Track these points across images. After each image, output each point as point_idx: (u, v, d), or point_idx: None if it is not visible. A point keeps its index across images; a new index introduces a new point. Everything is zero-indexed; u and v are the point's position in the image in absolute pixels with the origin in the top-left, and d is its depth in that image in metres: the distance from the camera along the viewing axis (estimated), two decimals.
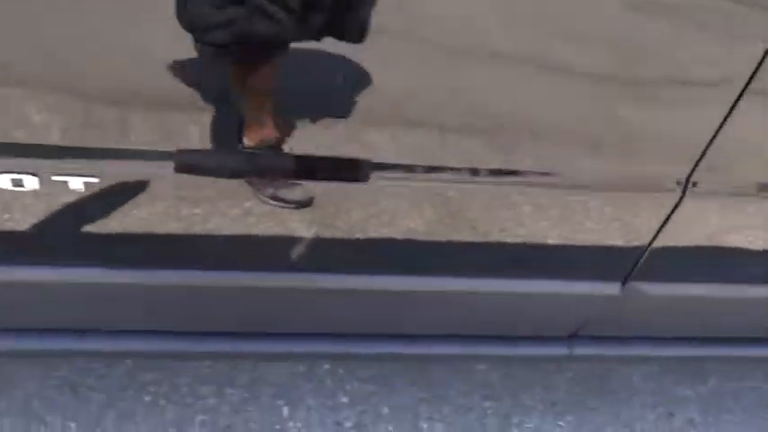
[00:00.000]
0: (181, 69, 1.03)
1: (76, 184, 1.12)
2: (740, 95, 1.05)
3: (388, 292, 1.39)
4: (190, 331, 1.52)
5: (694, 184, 1.16)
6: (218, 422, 1.76)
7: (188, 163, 1.16)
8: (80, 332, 1.49)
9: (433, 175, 1.23)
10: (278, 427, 1.79)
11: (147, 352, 1.54)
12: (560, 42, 1.03)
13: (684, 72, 1.05)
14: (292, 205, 1.26)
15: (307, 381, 1.90)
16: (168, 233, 1.25)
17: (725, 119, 1.07)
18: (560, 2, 0.99)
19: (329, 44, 1.04)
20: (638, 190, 1.17)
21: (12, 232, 1.20)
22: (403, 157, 1.19)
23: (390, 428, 1.84)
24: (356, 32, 1.03)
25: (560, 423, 1.94)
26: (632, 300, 1.31)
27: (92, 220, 1.24)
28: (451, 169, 1.21)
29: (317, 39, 1.03)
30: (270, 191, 1.26)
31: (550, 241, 1.27)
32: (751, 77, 1.04)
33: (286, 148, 1.16)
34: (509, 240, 1.28)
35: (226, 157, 1.17)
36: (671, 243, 1.23)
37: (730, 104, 1.06)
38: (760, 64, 1.03)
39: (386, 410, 1.88)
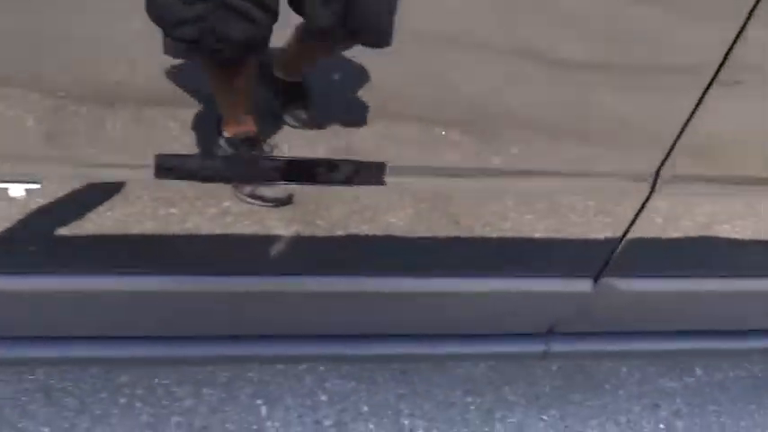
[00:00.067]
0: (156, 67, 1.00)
1: (18, 190, 1.10)
2: (710, 83, 1.01)
3: (363, 294, 1.37)
4: (166, 336, 1.50)
5: (665, 177, 1.12)
6: (194, 423, 1.74)
7: (167, 167, 1.14)
8: (53, 339, 1.46)
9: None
10: (255, 427, 1.77)
11: (122, 358, 1.52)
12: (525, 31, 1.00)
13: (652, 59, 1.01)
14: (271, 203, 1.23)
15: (286, 379, 1.87)
16: (144, 234, 1.23)
17: (695, 108, 1.03)
18: None
19: None
20: (608, 184, 1.13)
21: None
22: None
23: (371, 426, 1.82)
24: (372, 34, 1.00)
25: (543, 417, 1.92)
26: (605, 296, 1.28)
27: (63, 223, 1.21)
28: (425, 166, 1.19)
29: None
30: (248, 189, 1.23)
31: (520, 238, 1.24)
32: (721, 64, 0.99)
33: (264, 142, 1.14)
34: (478, 238, 1.25)
35: (205, 160, 1.15)
36: (643, 238, 1.19)
37: (700, 93, 1.02)
38: (730, 48, 0.98)
39: (366, 408, 1.85)
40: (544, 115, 1.06)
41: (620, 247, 1.20)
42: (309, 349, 1.55)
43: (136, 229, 1.21)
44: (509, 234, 1.23)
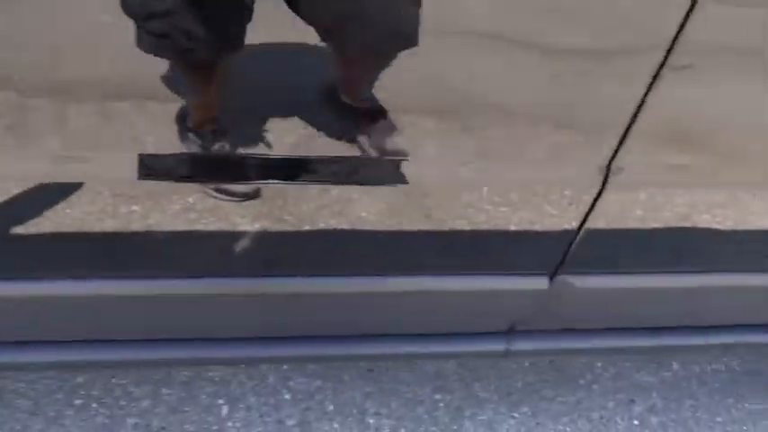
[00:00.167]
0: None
1: None
2: (660, 67, 0.94)
3: (325, 294, 1.32)
4: (125, 339, 1.45)
5: (617, 170, 1.06)
6: (151, 424, 1.69)
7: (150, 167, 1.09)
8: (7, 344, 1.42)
9: None
10: (215, 427, 1.72)
11: (77, 362, 1.48)
12: (469, 16, 0.94)
13: (599, 41, 0.95)
14: (238, 198, 1.18)
15: (249, 378, 1.82)
16: (104, 232, 1.18)
17: (645, 95, 0.96)
18: None
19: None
20: (558, 177, 1.08)
21: None
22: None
23: (335, 426, 1.77)
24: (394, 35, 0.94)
25: (514, 414, 1.87)
26: (562, 294, 1.22)
27: (17, 222, 1.16)
28: None
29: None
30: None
31: (474, 235, 1.18)
32: (671, 46, 0.93)
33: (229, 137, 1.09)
34: (432, 235, 1.20)
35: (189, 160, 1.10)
36: (598, 234, 1.14)
37: (650, 79, 0.95)
38: (681, 28, 0.92)
39: (331, 407, 1.80)
40: (487, 106, 1.00)
41: (574, 243, 1.15)
42: (271, 351, 1.50)
43: (95, 228, 1.17)
44: (462, 231, 1.18)
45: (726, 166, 1.12)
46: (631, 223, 1.15)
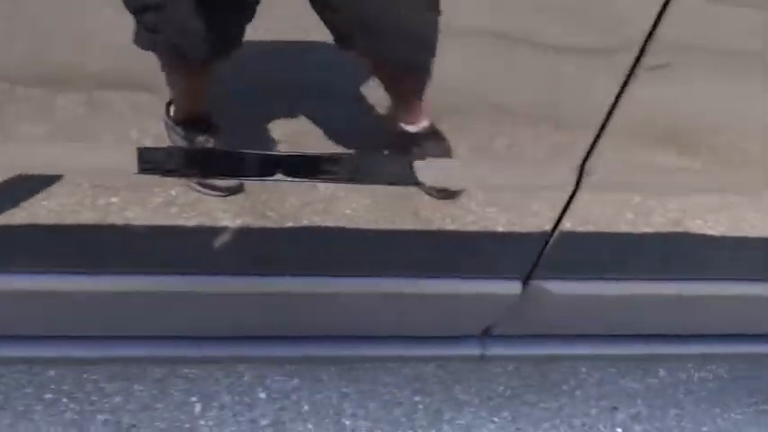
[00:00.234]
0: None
1: None
2: (635, 65, 0.90)
3: (297, 294, 1.29)
4: (99, 335, 1.42)
5: (590, 171, 1.01)
6: (122, 421, 1.66)
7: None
8: None
9: None
10: (188, 425, 1.69)
11: (49, 357, 1.45)
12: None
13: (572, 38, 0.90)
14: (222, 193, 1.15)
15: (225, 375, 1.79)
16: (80, 225, 1.14)
17: (619, 94, 0.92)
18: None
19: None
20: (531, 179, 1.03)
21: None
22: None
23: (310, 426, 1.74)
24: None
25: (494, 419, 1.83)
26: (536, 299, 1.18)
27: None
28: None
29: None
30: None
31: (447, 237, 1.14)
32: (645, 42, 0.88)
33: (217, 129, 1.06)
34: (405, 237, 1.16)
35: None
36: (571, 238, 1.10)
37: (624, 77, 0.91)
38: (656, 23, 0.87)
39: (307, 407, 1.77)
40: (456, 103, 0.96)
41: (547, 248, 1.10)
42: (243, 350, 1.47)
43: (70, 220, 1.13)
44: (435, 233, 1.14)
45: (707, 167, 1.08)
46: (614, 227, 1.10)
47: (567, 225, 1.08)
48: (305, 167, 1.09)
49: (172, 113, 1.03)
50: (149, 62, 0.93)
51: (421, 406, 1.83)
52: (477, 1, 0.87)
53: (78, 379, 1.71)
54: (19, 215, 1.11)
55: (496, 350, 1.35)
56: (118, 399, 1.70)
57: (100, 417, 1.66)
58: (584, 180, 1.01)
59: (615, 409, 1.91)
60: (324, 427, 1.74)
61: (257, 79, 0.99)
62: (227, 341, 1.46)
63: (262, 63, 0.97)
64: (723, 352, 1.60)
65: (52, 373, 1.71)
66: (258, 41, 0.92)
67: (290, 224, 1.22)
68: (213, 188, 1.17)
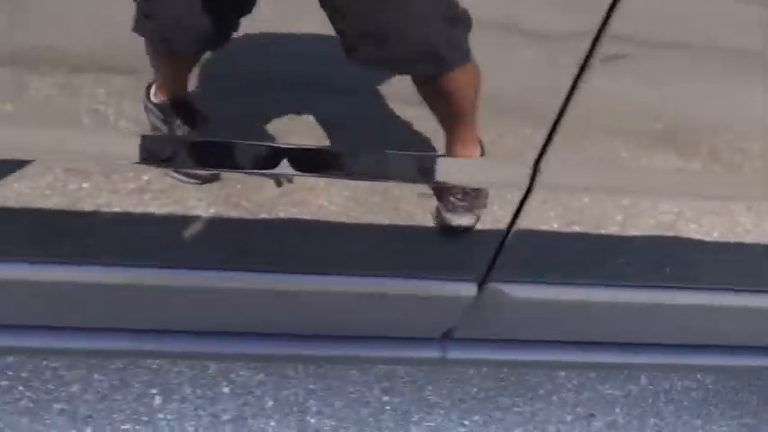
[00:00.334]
0: None
1: None
2: (589, 55, 0.83)
3: (256, 290, 1.24)
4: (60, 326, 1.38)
5: (545, 170, 0.95)
6: (78, 411, 1.62)
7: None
8: None
9: None
10: (146, 418, 1.64)
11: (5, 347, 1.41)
12: None
13: (518, 25, 0.84)
14: (197, 180, 1.11)
15: (188, 367, 1.74)
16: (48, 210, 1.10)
17: (573, 88, 0.85)
18: None
19: None
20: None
21: None
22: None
23: (272, 424, 1.69)
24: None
25: (465, 422, 1.77)
26: (493, 302, 1.12)
27: None
28: None
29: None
30: None
31: (401, 236, 1.09)
32: (600, 29, 0.81)
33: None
34: (369, 232, 1.11)
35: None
36: (527, 241, 1.03)
37: (577, 70, 0.84)
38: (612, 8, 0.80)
39: (271, 403, 1.72)
40: (401, 94, 0.90)
41: (503, 249, 1.04)
42: (202, 346, 1.42)
43: (38, 204, 1.09)
44: (391, 232, 1.08)
45: (673, 165, 1.01)
46: (564, 229, 1.04)
47: (523, 226, 1.01)
48: (310, 161, 1.05)
49: (152, 96, 1.00)
50: (126, 45, 0.90)
51: (389, 406, 1.77)
52: None
53: (37, 366, 1.67)
54: None
55: (457, 353, 1.29)
56: (76, 388, 1.66)
57: (56, 406, 1.62)
58: (538, 179, 0.94)
59: (592, 416, 1.84)
60: (287, 424, 1.69)
61: (253, 71, 0.96)
62: (190, 335, 1.42)
63: (257, 55, 0.93)
64: (706, 364, 1.54)
65: (10, 359, 1.67)
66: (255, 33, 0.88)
67: (264, 215, 1.18)
68: (189, 175, 1.13)
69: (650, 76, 0.87)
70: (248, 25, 0.87)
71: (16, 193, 1.11)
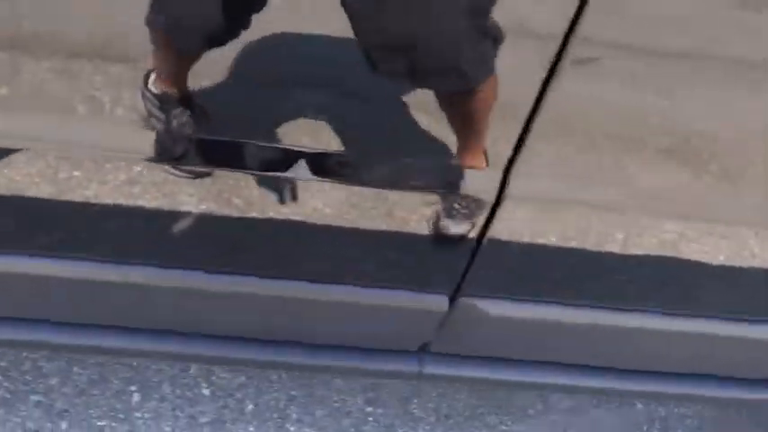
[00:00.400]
0: None
1: None
2: (557, 60, 0.78)
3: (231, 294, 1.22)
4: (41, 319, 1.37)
5: (515, 180, 0.90)
6: (54, 405, 1.60)
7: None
8: None
9: None
10: (122, 416, 1.62)
11: None
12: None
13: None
14: (189, 175, 1.10)
15: (169, 366, 1.72)
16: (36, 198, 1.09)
17: (542, 92, 0.81)
18: None
19: None
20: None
21: None
22: None
23: (251, 429, 1.66)
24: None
25: None
26: (465, 317, 1.07)
27: None
28: None
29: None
30: None
31: (372, 247, 1.05)
32: (570, 30, 0.76)
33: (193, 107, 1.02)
34: (335, 240, 1.07)
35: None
36: (498, 254, 0.98)
37: (546, 74, 0.79)
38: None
39: (251, 407, 1.69)
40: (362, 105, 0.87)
41: (473, 263, 0.99)
42: (187, 347, 1.39)
43: (28, 192, 1.08)
44: (363, 241, 1.05)
45: (646, 174, 0.95)
46: (537, 243, 0.99)
47: (495, 239, 0.97)
48: (327, 166, 1.02)
49: (150, 84, 0.99)
50: (125, 34, 0.89)
51: (371, 418, 1.73)
52: None
53: (17, 357, 1.65)
54: None
55: (433, 368, 1.24)
56: (54, 381, 1.64)
57: (33, 398, 1.60)
58: (508, 190, 0.90)
59: None
60: (265, 430, 1.66)
61: (258, 70, 0.94)
62: (170, 335, 1.40)
63: (264, 53, 0.91)
64: (699, 394, 1.48)
65: None
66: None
67: (254, 214, 1.15)
68: (182, 169, 1.11)
69: (624, 79, 0.83)
70: (259, 23, 0.84)
71: (6, 179, 1.10)
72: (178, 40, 0.93)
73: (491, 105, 0.88)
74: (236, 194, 1.17)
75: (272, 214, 1.16)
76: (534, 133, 0.83)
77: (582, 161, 0.90)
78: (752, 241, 1.14)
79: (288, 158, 1.02)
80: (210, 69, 0.94)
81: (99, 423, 1.59)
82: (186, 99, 1.01)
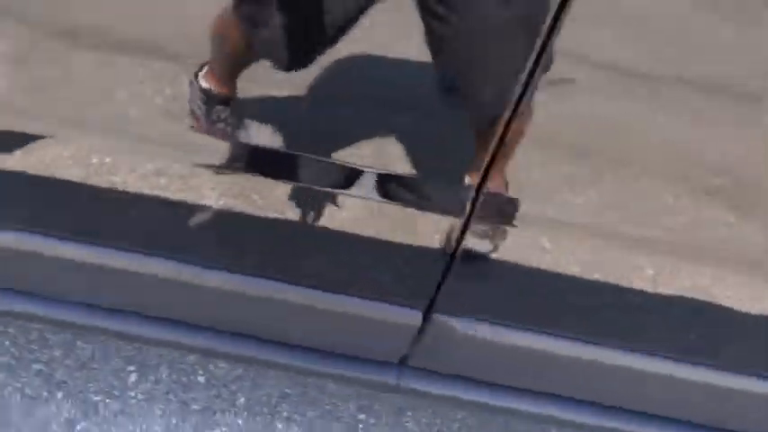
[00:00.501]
0: None
1: None
2: (530, 77, 0.75)
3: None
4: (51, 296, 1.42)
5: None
6: (54, 375, 1.64)
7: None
8: None
9: None
10: (117, 393, 1.65)
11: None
12: None
13: None
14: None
15: (169, 350, 1.74)
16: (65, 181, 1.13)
17: (515, 110, 0.78)
18: None
19: None
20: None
21: None
22: None
23: (239, 422, 1.66)
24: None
25: None
26: (437, 334, 1.04)
27: None
28: None
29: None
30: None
31: (347, 255, 1.03)
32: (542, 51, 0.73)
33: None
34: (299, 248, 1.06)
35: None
36: (471, 272, 0.95)
37: (520, 90, 0.76)
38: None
39: (242, 400, 1.69)
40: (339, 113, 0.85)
41: (445, 281, 0.96)
42: (186, 337, 1.42)
43: (59, 174, 1.12)
44: (336, 248, 1.03)
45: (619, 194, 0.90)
46: (511, 260, 0.94)
47: (465, 258, 0.94)
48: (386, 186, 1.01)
49: (200, 77, 1.00)
50: (168, 30, 0.90)
51: (361, 425, 1.71)
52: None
53: (26, 326, 1.71)
54: (9, 161, 1.11)
55: (410, 383, 1.22)
56: (58, 352, 1.69)
57: (35, 366, 1.65)
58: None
59: None
60: (253, 424, 1.66)
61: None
62: (171, 323, 1.42)
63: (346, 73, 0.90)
64: None
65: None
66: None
67: (272, 215, 1.15)
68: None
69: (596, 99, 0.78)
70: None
71: (40, 159, 1.14)
72: (270, 54, 0.91)
73: (524, 132, 0.86)
74: (256, 192, 1.17)
75: (289, 215, 1.15)
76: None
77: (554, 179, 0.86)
78: None
79: (350, 177, 0.99)
80: (265, 78, 0.93)
81: (94, 398, 1.63)
82: (230, 100, 1.02)
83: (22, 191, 1.21)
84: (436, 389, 1.20)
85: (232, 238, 1.23)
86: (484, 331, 1.03)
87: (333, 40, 0.82)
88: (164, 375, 1.70)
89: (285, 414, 1.69)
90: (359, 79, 0.85)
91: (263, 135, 1.03)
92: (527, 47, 0.74)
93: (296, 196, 1.10)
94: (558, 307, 1.03)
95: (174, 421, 1.63)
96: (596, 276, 1.00)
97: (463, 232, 0.89)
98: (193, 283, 1.25)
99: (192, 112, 1.04)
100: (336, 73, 0.84)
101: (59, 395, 1.62)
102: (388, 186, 0.92)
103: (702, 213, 0.96)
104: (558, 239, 0.94)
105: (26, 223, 1.24)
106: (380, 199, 0.93)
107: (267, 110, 0.99)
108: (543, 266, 0.95)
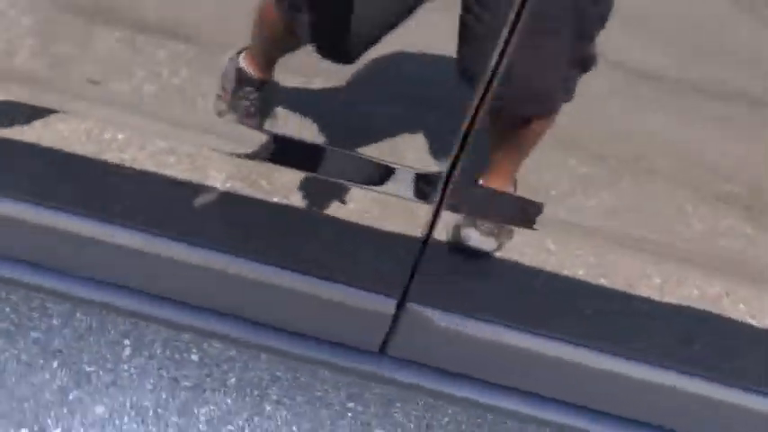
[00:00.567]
0: None
1: None
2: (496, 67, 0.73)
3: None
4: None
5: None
6: (51, 344, 1.67)
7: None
8: None
9: None
10: (110, 365, 1.67)
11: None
12: None
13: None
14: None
15: (165, 327, 1.76)
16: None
17: (487, 88, 0.76)
18: None
19: None
20: (392, 190, 0.89)
21: None
22: None
23: (228, 401, 1.67)
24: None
25: None
26: (411, 324, 1.03)
27: None
28: None
29: None
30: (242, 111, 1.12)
31: (320, 237, 1.03)
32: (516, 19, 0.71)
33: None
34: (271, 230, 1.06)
35: None
36: (443, 263, 0.93)
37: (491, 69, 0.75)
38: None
39: (233, 381, 1.71)
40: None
41: (418, 269, 0.95)
42: (180, 315, 1.43)
43: (72, 148, 1.14)
44: (306, 231, 1.03)
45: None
46: (485, 252, 0.93)
47: (435, 247, 0.92)
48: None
49: (241, 59, 1.01)
50: (189, 13, 0.91)
51: (350, 413, 1.71)
52: None
53: (28, 294, 1.74)
54: (28, 133, 1.14)
55: (389, 372, 1.21)
56: (57, 322, 1.72)
57: (33, 334, 1.68)
58: (450, 192, 0.85)
59: None
60: (242, 405, 1.67)
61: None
62: (167, 302, 1.43)
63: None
64: None
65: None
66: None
67: (275, 199, 1.15)
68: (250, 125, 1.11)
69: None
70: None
71: (55, 132, 1.16)
72: (320, 45, 0.90)
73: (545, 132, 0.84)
74: (263, 177, 1.17)
75: (294, 200, 1.15)
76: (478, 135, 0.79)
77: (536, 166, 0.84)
78: None
79: (381, 173, 0.98)
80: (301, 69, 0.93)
81: (87, 368, 1.66)
82: (263, 84, 1.02)
83: (35, 163, 1.23)
84: (414, 379, 1.18)
85: (227, 220, 1.24)
86: (456, 322, 1.01)
87: (378, 38, 0.81)
88: (158, 351, 1.72)
89: (275, 397, 1.70)
90: (396, 77, 0.84)
91: (288, 124, 1.03)
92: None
93: (305, 187, 1.09)
94: (556, 308, 1.01)
95: (163, 396, 1.65)
96: (601, 281, 0.98)
97: (434, 221, 0.88)
98: (188, 262, 1.26)
99: (223, 87, 1.04)
100: (375, 71, 0.83)
101: (54, 364, 1.65)
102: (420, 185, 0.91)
103: (718, 222, 0.93)
104: (564, 241, 0.92)
105: (37, 196, 1.26)
106: (414, 198, 0.92)
107: (296, 100, 0.98)
108: (548, 268, 0.94)
